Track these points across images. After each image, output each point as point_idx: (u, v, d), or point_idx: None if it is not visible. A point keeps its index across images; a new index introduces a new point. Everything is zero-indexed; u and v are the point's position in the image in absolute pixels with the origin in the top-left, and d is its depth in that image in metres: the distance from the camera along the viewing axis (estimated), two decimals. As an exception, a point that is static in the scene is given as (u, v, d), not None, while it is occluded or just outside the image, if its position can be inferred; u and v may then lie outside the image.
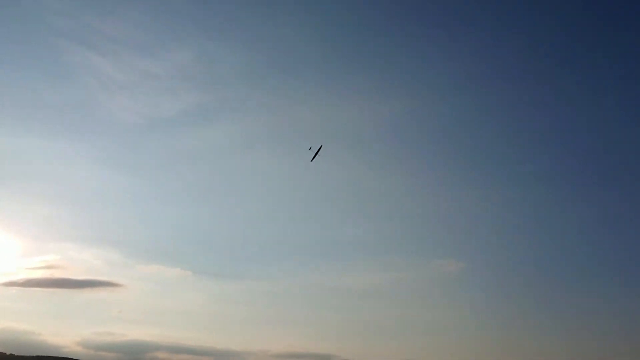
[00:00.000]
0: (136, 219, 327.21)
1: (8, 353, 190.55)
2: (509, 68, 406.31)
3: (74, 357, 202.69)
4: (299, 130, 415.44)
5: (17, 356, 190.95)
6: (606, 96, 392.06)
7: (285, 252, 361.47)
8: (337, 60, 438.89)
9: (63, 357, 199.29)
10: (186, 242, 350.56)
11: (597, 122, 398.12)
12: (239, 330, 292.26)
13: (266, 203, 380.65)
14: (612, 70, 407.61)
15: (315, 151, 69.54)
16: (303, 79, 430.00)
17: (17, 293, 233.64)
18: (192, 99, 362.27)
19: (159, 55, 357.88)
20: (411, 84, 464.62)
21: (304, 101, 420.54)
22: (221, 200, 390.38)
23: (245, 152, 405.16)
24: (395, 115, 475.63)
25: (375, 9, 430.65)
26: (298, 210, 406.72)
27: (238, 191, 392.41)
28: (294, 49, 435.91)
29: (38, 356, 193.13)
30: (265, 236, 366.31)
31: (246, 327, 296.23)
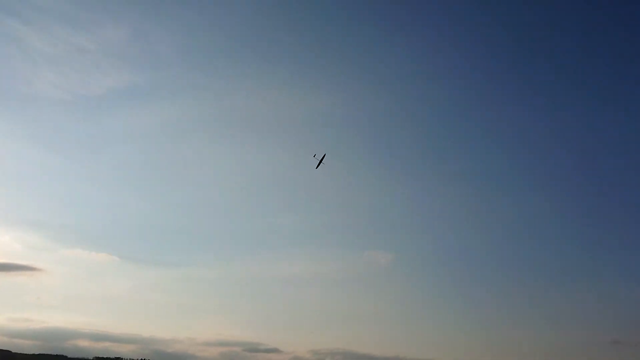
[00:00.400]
0: (60, 200, 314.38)
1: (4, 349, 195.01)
2: (438, 68, 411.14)
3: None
4: (234, 117, 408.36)
5: (17, 353, 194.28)
6: (526, 98, 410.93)
7: (216, 240, 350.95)
8: (277, 48, 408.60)
9: (64, 356, 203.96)
10: (113, 227, 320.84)
11: (518, 122, 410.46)
12: (166, 317, 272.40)
13: (198, 190, 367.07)
14: (531, 72, 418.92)
15: (320, 159, 74.81)
16: (242, 64, 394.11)
17: None
18: (124, 78, 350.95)
19: (91, 30, 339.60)
20: (347, 78, 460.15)
21: (240, 87, 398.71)
22: (152, 185, 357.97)
23: (178, 137, 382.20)
24: (331, 108, 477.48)
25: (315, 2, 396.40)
26: (230, 198, 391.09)
27: (169, 177, 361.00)
28: (235, 33, 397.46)
29: (40, 354, 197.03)
30: (195, 223, 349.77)
31: (174, 315, 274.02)
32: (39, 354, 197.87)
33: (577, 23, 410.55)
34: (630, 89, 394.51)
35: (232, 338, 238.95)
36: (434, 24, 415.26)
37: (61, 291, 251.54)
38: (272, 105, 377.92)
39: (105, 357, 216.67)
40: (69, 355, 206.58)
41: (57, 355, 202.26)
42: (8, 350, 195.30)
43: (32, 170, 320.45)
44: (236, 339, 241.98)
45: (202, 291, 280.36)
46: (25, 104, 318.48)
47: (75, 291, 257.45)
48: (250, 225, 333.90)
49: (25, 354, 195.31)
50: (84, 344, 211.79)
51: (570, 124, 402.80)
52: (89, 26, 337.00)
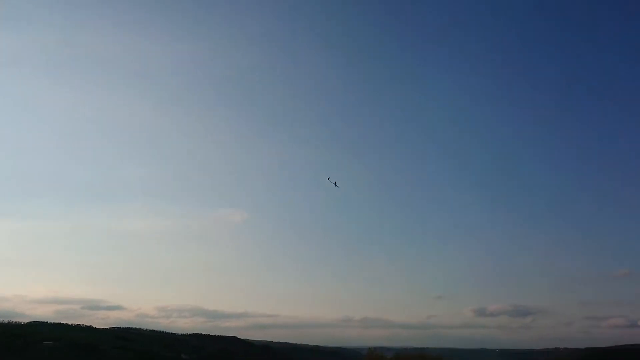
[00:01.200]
0: None
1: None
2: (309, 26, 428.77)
3: None
4: (83, 59, 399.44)
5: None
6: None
7: (52, 190, 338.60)
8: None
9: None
10: None
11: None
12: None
13: (33, 133, 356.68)
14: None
15: (334, 182, 66.40)
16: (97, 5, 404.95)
17: None
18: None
19: None
20: (213, 29, 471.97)
21: (94, 27, 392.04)
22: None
23: (8, 74, 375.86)
24: (191, 57, 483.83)
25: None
26: (70, 145, 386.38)
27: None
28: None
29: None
30: (28, 170, 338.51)
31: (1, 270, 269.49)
32: None
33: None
34: None
35: (70, 295, 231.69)
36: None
37: None
38: (130, 51, 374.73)
39: None
40: None
41: None
42: None
43: None
44: (75, 296, 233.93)
45: (35, 245, 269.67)
46: None
47: None
48: (92, 175, 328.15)
49: None
50: None
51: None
52: None
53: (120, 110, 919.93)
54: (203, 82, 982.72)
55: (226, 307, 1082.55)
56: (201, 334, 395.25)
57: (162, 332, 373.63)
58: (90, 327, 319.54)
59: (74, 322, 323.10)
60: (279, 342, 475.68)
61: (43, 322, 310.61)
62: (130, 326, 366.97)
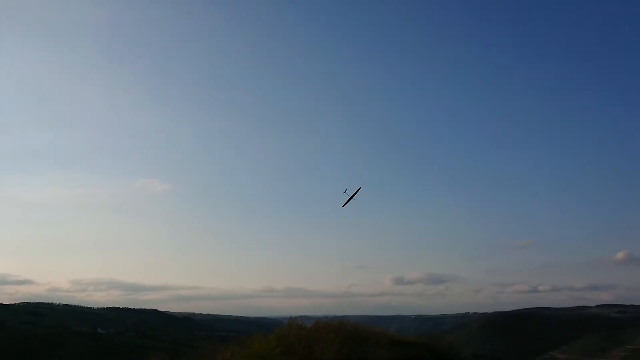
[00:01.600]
0: None
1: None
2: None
3: None
4: None
5: None
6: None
7: None
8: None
9: None
10: None
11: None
12: None
13: None
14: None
15: (351, 195, 60.49)
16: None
17: None
18: None
19: None
20: None
21: None
22: None
23: None
24: (111, 20, 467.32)
25: None
26: None
27: None
28: None
29: None
30: None
31: None
32: None
33: None
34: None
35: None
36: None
37: None
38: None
39: None
40: None
41: None
42: None
43: None
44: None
45: None
46: None
47: None
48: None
49: None
50: None
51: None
52: None
53: (25, 69, 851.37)
54: (124, 45, 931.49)
55: (146, 279, 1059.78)
56: (119, 307, 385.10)
57: (77, 306, 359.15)
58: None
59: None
60: (200, 314, 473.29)
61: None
62: (41, 301, 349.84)
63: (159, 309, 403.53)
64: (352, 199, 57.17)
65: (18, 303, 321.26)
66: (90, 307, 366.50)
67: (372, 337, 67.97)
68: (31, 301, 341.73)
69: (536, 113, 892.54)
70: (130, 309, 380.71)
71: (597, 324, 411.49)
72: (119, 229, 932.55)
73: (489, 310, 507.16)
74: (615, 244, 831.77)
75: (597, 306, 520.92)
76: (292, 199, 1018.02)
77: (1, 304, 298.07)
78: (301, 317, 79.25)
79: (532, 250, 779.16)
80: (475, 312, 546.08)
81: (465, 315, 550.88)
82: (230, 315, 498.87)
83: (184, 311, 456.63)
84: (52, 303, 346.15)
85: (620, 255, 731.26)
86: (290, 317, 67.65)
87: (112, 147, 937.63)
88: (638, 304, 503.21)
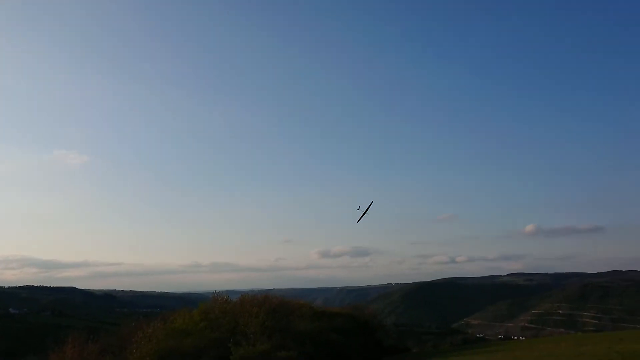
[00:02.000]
0: None
1: None
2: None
3: None
4: None
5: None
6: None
7: None
8: None
9: None
10: None
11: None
12: None
13: None
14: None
15: (364, 210, 58.54)
16: None
17: None
18: None
19: None
20: None
21: None
22: None
23: None
24: None
25: None
26: None
27: None
28: None
29: None
30: None
31: None
32: None
33: None
34: None
35: None
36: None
37: None
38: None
39: None
40: None
41: None
42: None
43: None
44: None
45: None
46: None
47: None
48: None
49: None
50: None
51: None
52: None
53: None
54: (39, 8, 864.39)
55: (63, 256, 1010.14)
56: (34, 285, 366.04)
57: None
58: None
59: None
60: (123, 291, 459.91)
61: None
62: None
63: (77, 287, 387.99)
64: (365, 214, 58.13)
65: None
66: (1, 287, 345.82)
67: (297, 309, 68.85)
68: None
69: (455, 93, 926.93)
70: (46, 287, 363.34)
71: (507, 291, 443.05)
72: (32, 204, 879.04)
73: (410, 281, 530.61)
74: (525, 218, 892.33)
75: (508, 275, 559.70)
76: (217, 172, 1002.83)
77: None
78: (228, 291, 78.93)
79: (452, 223, 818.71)
80: (398, 283, 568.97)
81: (388, 286, 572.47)
82: (155, 292, 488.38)
83: (104, 288, 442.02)
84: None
85: (529, 228, 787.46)
86: (215, 292, 67.05)
87: (26, 117, 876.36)
88: (544, 272, 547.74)
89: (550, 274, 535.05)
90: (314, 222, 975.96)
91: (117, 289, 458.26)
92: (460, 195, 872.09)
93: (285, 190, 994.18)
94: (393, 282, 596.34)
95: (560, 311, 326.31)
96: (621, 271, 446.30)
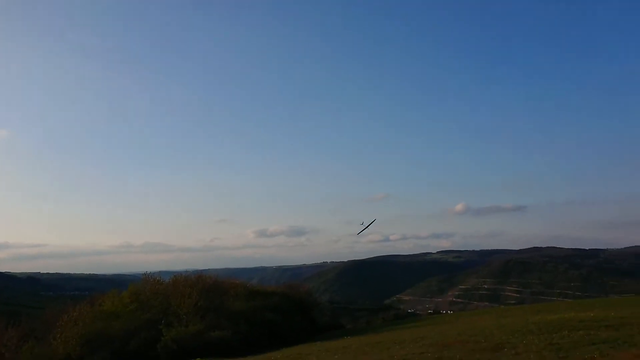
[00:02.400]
0: None
1: None
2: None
3: None
4: None
5: None
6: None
7: None
8: None
9: None
10: None
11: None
12: None
13: None
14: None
15: (366, 225, 56.65)
16: None
17: None
18: None
19: None
20: None
21: None
22: None
23: None
24: None
25: None
26: None
27: None
28: None
29: None
30: None
31: None
32: None
33: None
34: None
35: None
36: None
37: None
38: None
39: None
40: None
41: None
42: None
43: None
44: None
45: None
46: None
47: None
48: None
49: None
50: None
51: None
52: None
53: None
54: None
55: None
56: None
57: None
58: None
59: None
60: (47, 273, 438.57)
61: None
62: None
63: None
64: (367, 228, 58.28)
65: None
66: None
67: (231, 289, 68.48)
68: None
69: (387, 76, 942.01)
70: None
71: (437, 268, 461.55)
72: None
73: (345, 259, 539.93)
74: (455, 197, 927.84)
75: (438, 252, 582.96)
76: (149, 150, 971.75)
77: None
78: (162, 272, 77.12)
79: (386, 202, 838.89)
80: (333, 261, 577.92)
81: (324, 265, 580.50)
82: (83, 274, 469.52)
83: (27, 271, 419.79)
84: None
85: (459, 207, 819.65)
86: (146, 273, 65.25)
87: None
88: (471, 249, 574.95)
89: (477, 251, 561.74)
90: (250, 201, 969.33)
91: (41, 272, 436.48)
92: (394, 176, 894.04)
93: (220, 170, 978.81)
94: (328, 260, 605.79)
95: (486, 286, 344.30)
96: (540, 247, 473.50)
